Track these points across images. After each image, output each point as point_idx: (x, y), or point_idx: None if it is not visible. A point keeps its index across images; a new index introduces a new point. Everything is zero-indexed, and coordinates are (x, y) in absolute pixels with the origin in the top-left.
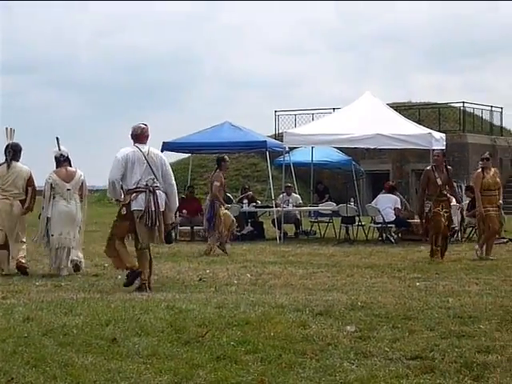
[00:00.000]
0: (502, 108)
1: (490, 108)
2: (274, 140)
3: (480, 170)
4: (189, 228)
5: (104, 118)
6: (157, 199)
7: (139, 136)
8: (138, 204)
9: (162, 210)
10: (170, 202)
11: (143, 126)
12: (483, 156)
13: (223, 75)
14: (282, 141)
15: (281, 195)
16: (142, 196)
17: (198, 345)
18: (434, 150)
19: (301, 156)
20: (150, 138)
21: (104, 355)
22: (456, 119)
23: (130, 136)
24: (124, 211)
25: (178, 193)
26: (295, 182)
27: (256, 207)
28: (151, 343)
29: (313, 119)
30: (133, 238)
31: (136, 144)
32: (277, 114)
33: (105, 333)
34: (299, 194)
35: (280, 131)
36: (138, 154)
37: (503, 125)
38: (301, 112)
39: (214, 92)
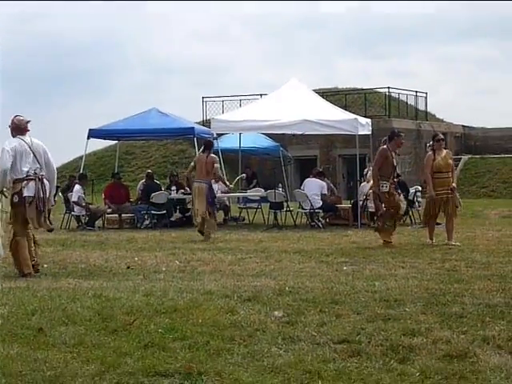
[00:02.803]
0: (426, 93)
1: (414, 93)
2: (201, 126)
3: (431, 151)
4: (116, 215)
5: (27, 107)
6: (44, 187)
7: (23, 129)
8: (30, 191)
9: (48, 196)
10: (50, 188)
11: (25, 119)
12: (436, 138)
13: (149, 62)
14: (209, 127)
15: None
16: (32, 183)
17: (125, 333)
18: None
19: (229, 142)
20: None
21: (30, 345)
22: (382, 104)
23: (10, 128)
24: (16, 199)
25: (105, 180)
26: (223, 169)
27: (184, 194)
28: (78, 332)
29: (240, 105)
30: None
31: (18, 136)
32: (204, 100)
33: (31, 322)
34: (227, 181)
35: (208, 117)
36: (23, 146)
37: (428, 110)
38: (228, 98)
39: (141, 78)
